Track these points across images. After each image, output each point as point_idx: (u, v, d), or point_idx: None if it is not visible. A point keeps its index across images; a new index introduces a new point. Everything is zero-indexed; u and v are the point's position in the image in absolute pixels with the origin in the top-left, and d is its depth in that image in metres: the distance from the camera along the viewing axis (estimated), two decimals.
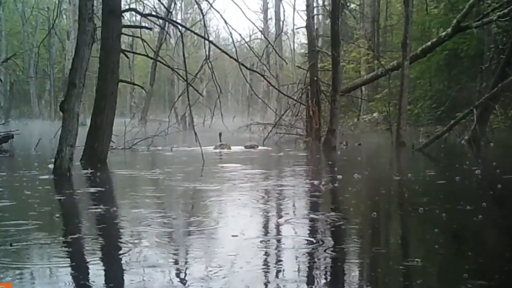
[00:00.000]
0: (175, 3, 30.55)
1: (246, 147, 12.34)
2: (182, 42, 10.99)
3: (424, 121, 20.15)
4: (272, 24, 34.57)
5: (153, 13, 16.32)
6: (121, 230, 4.04)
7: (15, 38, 41.13)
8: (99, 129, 8.98)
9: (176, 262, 3.07)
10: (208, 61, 10.48)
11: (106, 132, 9.03)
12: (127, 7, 20.39)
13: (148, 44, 12.05)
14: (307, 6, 15.11)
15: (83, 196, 5.69)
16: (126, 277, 2.78)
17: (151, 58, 15.31)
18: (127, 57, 12.07)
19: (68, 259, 3.18)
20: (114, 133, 9.54)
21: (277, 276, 2.78)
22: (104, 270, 3.02)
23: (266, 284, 2.66)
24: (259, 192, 5.75)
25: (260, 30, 26.13)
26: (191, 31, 18.03)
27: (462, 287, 2.58)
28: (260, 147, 12.56)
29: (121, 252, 3.24)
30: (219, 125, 14.35)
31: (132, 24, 21.14)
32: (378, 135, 18.22)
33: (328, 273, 2.90)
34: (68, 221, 4.36)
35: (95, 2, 7.69)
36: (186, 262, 3.09)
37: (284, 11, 48.75)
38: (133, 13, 18.20)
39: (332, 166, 8.73)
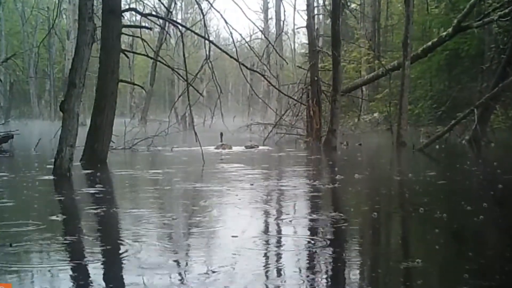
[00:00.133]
0: (175, 3, 30.57)
1: (246, 147, 12.33)
2: (182, 42, 10.98)
3: (425, 121, 20.13)
4: (272, 24, 34.65)
5: (153, 13, 16.30)
6: (121, 230, 4.04)
7: (15, 38, 41.13)
8: (99, 129, 8.97)
9: (176, 262, 3.07)
10: (208, 61, 10.48)
11: (106, 132, 9.03)
12: (127, 7, 20.37)
13: (148, 44, 12.02)
14: (308, 6, 15.10)
15: (83, 196, 5.68)
16: (126, 277, 2.78)
17: (151, 58, 15.32)
18: (127, 57, 12.08)
19: (68, 259, 3.17)
20: (114, 133, 9.54)
21: (277, 276, 2.78)
22: (104, 270, 3.02)
23: (266, 284, 2.65)
24: (260, 192, 5.75)
25: (260, 30, 26.10)
26: (192, 31, 18.00)
27: (462, 287, 2.57)
28: (260, 147, 12.55)
29: (121, 252, 3.24)
30: (219, 125, 14.33)
31: (132, 24, 21.10)
32: (379, 135, 18.20)
33: (328, 273, 2.90)
34: (68, 222, 4.35)
35: (95, 2, 7.69)
36: (186, 262, 3.09)
37: (284, 11, 48.97)
38: (133, 13, 18.18)
39: (333, 166, 8.73)
